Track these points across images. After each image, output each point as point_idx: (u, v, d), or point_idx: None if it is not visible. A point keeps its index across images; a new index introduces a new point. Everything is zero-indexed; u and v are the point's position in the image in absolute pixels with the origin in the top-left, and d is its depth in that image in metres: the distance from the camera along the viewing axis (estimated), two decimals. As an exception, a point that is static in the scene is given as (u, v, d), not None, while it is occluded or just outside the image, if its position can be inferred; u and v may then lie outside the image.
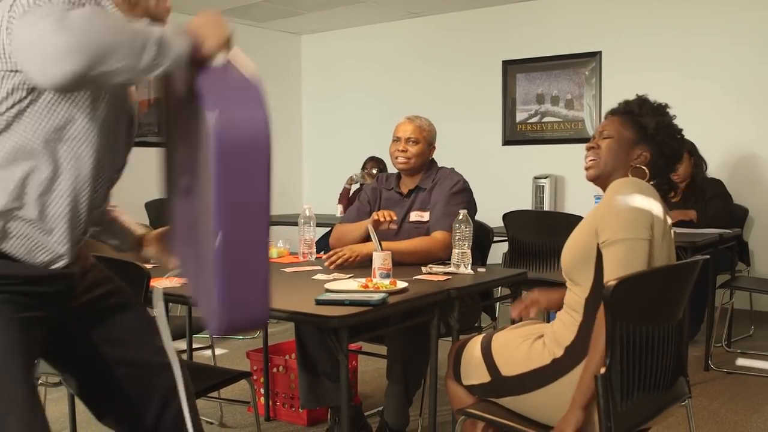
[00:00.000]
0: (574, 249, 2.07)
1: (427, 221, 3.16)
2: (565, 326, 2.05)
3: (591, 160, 2.16)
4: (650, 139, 2.13)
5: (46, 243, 1.62)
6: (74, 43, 1.35)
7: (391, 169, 6.77)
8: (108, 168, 1.71)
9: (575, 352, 1.99)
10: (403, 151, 3.25)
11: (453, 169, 3.32)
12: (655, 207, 1.98)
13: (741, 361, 4.49)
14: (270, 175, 1.39)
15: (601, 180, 2.15)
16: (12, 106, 1.52)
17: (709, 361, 4.30)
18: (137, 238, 2.00)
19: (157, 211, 5.80)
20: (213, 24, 1.54)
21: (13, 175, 1.54)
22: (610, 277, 1.90)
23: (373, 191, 3.42)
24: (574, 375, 1.95)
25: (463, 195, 3.18)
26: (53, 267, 1.66)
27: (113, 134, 1.69)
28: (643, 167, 2.12)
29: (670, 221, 2.07)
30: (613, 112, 2.24)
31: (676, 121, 2.19)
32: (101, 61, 1.38)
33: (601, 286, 1.92)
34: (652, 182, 2.14)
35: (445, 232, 3.02)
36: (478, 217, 3.26)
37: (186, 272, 1.79)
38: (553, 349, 2.04)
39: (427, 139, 3.29)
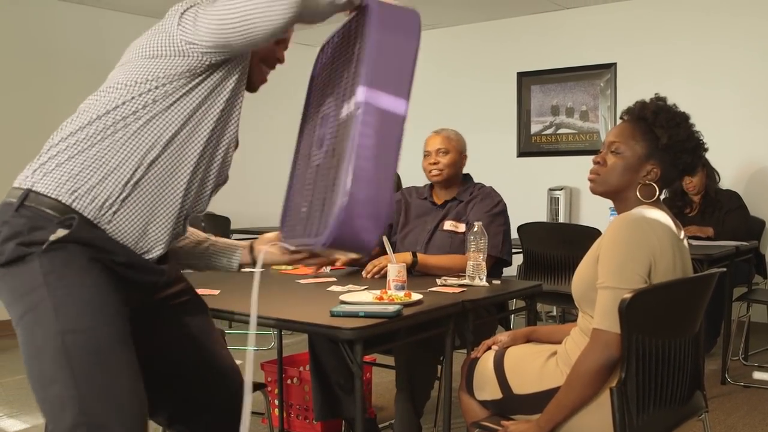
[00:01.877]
0: (580, 281, 2.04)
1: (462, 233, 3.17)
2: (577, 347, 2.00)
3: (595, 175, 2.08)
4: (662, 154, 2.02)
5: (150, 231, 1.72)
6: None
7: (406, 181, 6.80)
8: (218, 172, 1.81)
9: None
10: (435, 163, 3.28)
11: (492, 187, 3.33)
12: (658, 236, 1.91)
13: (758, 375, 4.45)
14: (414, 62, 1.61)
15: (608, 195, 2.09)
16: (166, 91, 1.68)
17: (726, 375, 4.26)
18: (246, 246, 2.04)
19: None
20: None
21: (142, 159, 1.68)
22: (597, 323, 1.90)
23: (397, 204, 3.43)
24: None
25: (504, 216, 3.22)
26: (149, 257, 1.74)
27: (227, 144, 1.80)
28: (653, 184, 2.02)
29: (683, 234, 2.05)
30: (627, 113, 2.12)
31: None
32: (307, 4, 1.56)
33: None
34: (664, 197, 2.10)
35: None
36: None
37: (295, 224, 1.86)
38: (565, 369, 2.01)
39: (456, 148, 3.32)
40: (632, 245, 1.90)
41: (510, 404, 2.11)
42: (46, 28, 6.01)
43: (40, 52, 5.94)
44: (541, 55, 6.70)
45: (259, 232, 6.04)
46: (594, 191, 2.10)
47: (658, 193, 2.04)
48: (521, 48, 6.84)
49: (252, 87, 1.88)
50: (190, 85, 1.69)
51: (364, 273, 3.01)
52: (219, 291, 2.57)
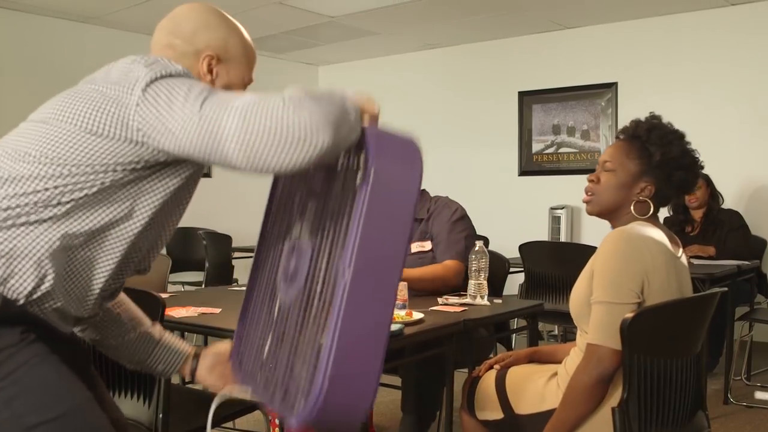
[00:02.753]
0: (577, 298, 2.04)
1: (429, 250, 3.16)
2: (576, 366, 1.99)
3: (590, 195, 2.09)
4: (656, 171, 2.02)
5: (69, 311, 1.44)
6: (320, 116, 1.20)
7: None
8: (143, 258, 1.51)
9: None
10: None
11: (448, 197, 3.31)
12: (652, 253, 1.91)
13: (761, 395, 4.41)
14: (409, 235, 1.31)
15: (604, 215, 2.09)
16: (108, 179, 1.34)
17: (729, 395, 4.24)
18: (190, 354, 1.76)
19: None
20: (367, 101, 1.35)
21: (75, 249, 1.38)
22: (590, 338, 1.90)
23: None
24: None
25: (464, 222, 3.20)
26: (63, 330, 1.48)
27: (167, 228, 1.49)
28: (647, 200, 2.03)
29: (681, 252, 2.05)
30: (623, 132, 2.12)
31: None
32: (339, 129, 1.22)
33: None
34: (667, 215, 2.11)
35: (455, 261, 3.03)
36: (493, 247, 3.25)
37: (253, 364, 1.65)
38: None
39: None
40: (625, 260, 1.90)
41: (511, 424, 2.10)
42: (53, 47, 6.04)
43: (48, 71, 5.97)
44: (543, 74, 6.73)
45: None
46: (590, 212, 2.11)
47: (653, 209, 2.05)
48: (522, 67, 6.87)
49: None
50: (131, 177, 1.35)
51: None
52: (220, 310, 2.57)
